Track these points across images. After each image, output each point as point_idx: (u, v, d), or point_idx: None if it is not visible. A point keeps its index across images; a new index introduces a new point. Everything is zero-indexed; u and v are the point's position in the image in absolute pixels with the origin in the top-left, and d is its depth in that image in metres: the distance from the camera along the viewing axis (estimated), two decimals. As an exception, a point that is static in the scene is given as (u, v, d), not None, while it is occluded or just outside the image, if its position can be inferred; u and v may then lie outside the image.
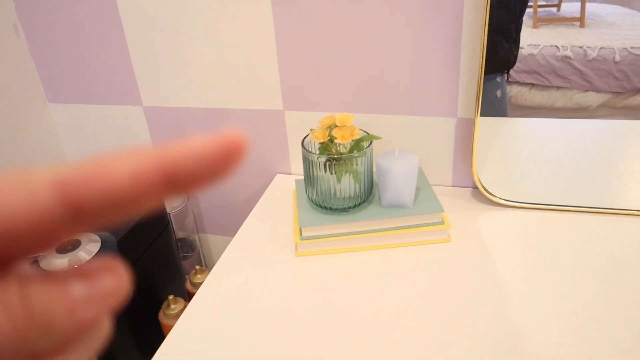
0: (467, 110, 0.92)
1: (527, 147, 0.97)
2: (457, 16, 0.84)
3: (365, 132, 0.84)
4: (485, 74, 0.82)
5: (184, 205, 1.16)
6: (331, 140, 0.81)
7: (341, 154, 0.81)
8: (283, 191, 1.04)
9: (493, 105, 0.89)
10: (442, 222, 0.83)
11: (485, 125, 0.88)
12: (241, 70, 1.01)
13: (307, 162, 0.82)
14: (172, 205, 1.16)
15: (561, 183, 0.92)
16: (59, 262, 0.80)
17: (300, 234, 0.83)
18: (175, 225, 1.17)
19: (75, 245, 0.82)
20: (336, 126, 0.80)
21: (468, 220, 0.89)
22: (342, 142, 0.78)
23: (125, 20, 1.02)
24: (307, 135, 0.84)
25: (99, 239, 0.86)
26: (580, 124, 0.89)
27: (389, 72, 0.93)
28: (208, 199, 1.20)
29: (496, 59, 0.84)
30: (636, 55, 0.81)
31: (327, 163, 0.80)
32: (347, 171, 0.81)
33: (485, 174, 0.92)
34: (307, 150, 0.82)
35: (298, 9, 0.92)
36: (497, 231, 0.85)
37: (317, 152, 0.83)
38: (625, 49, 0.81)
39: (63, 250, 0.82)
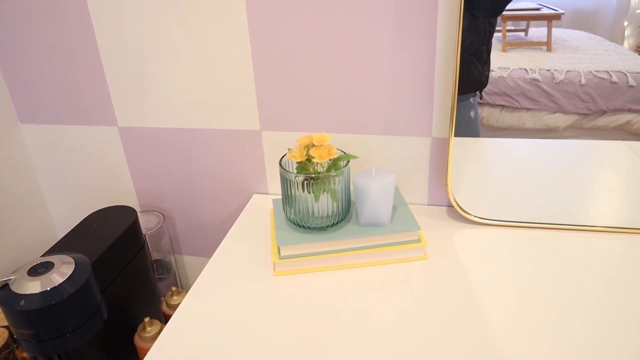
0: (441, 130, 0.94)
1: (500, 166, 0.99)
2: (431, 38, 0.86)
3: (342, 151, 0.85)
4: (459, 94, 0.84)
5: (160, 226, 1.15)
6: (309, 159, 0.81)
7: (319, 173, 0.82)
8: (260, 211, 1.04)
9: (467, 125, 0.91)
10: (418, 240, 0.84)
11: (459, 145, 0.90)
12: (218, 91, 1.02)
13: (285, 182, 0.83)
14: (148, 227, 1.15)
15: (533, 201, 0.94)
16: (31, 285, 0.78)
17: (279, 253, 0.83)
18: (150, 246, 1.16)
19: (48, 267, 0.81)
20: (314, 145, 0.81)
21: (444, 238, 0.90)
22: (319, 161, 0.79)
23: (100, 40, 1.02)
24: (285, 154, 0.85)
25: (73, 261, 0.84)
26: (550, 144, 0.92)
27: (365, 93, 0.94)
28: (184, 220, 1.20)
29: (470, 80, 0.86)
30: (600, 78, 0.85)
31: (305, 182, 0.81)
32: (324, 190, 0.81)
33: (460, 193, 0.94)
34: (285, 170, 0.82)
35: (275, 29, 0.93)
36: (472, 248, 0.87)
37: (295, 171, 0.83)
38: (590, 72, 0.85)
39: (35, 272, 0.80)
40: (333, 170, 0.81)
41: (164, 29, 0.98)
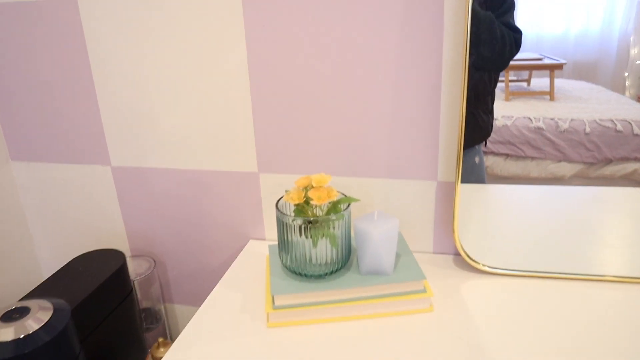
0: (447, 174, 0.90)
1: (507, 213, 0.94)
2: (435, 85, 0.84)
3: (342, 194, 0.80)
4: (465, 148, 0.82)
5: (150, 271, 1.09)
6: (307, 202, 0.77)
7: (317, 216, 0.77)
8: (256, 258, 0.98)
9: (472, 172, 0.88)
10: (424, 290, 0.78)
11: (465, 192, 0.86)
12: (215, 131, 0.98)
13: (282, 225, 0.78)
14: (137, 272, 1.09)
15: (544, 249, 0.89)
16: (3, 331, 0.72)
17: (273, 302, 0.77)
18: (139, 293, 1.10)
19: (23, 313, 0.75)
20: (312, 187, 0.76)
21: (451, 288, 0.84)
22: (318, 203, 0.74)
23: (97, 77, 1.00)
24: (282, 196, 0.80)
25: (51, 307, 0.78)
26: (558, 190, 0.89)
27: (367, 134, 0.90)
28: (176, 266, 1.14)
29: (476, 131, 0.84)
30: (605, 127, 0.83)
31: (303, 226, 0.76)
32: (323, 235, 0.76)
33: (467, 241, 0.88)
34: (282, 212, 0.77)
35: (275, 68, 0.90)
36: (481, 300, 0.81)
37: (292, 214, 0.79)
38: (595, 120, 0.83)
39: (9, 318, 0.74)
40: (333, 214, 0.76)
41: (161, 66, 0.96)
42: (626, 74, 0.81)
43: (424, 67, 0.83)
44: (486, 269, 0.87)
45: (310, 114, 0.92)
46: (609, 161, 0.85)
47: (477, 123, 0.84)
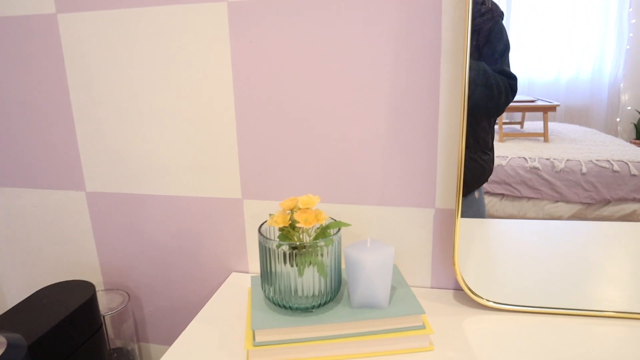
0: (446, 200, 0.83)
1: (508, 248, 0.89)
2: (433, 104, 0.78)
3: (332, 218, 0.73)
4: (467, 193, 0.79)
5: (123, 306, 1.00)
6: (293, 226, 0.69)
7: (304, 242, 0.69)
8: (238, 291, 0.90)
9: (471, 205, 0.83)
10: (423, 326, 0.70)
11: (464, 226, 0.81)
12: (196, 154, 0.91)
13: (265, 252, 0.70)
14: (110, 307, 1.00)
15: (548, 285, 0.83)
16: (-57, 370, 0.63)
17: (254, 339, 0.69)
18: (111, 330, 1.00)
19: (-31, 348, 0.66)
20: (299, 209, 0.69)
21: (452, 325, 0.76)
22: (305, 227, 0.67)
23: (74, 99, 0.94)
24: (266, 221, 0.73)
25: (5, 342, 0.69)
26: (560, 224, 0.85)
27: (358, 158, 0.84)
28: (152, 301, 1.05)
29: (478, 172, 0.82)
30: (602, 167, 0.81)
31: (288, 253, 0.68)
32: (311, 263, 0.69)
33: (468, 275, 0.81)
34: (265, 237, 0.70)
35: (262, 90, 0.85)
36: (485, 337, 0.73)
37: (277, 239, 0.71)
38: (591, 161, 0.82)
39: (-48, 355, 0.65)
40: (321, 239, 0.69)
41: (141, 88, 0.90)
42: (618, 119, 0.80)
43: (421, 85, 0.78)
44: (491, 304, 0.80)
45: (298, 136, 0.86)
46: (607, 202, 0.82)
47: (479, 164, 0.81)
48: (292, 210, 0.70)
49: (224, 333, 0.76)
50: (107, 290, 1.05)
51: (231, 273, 0.98)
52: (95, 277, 1.06)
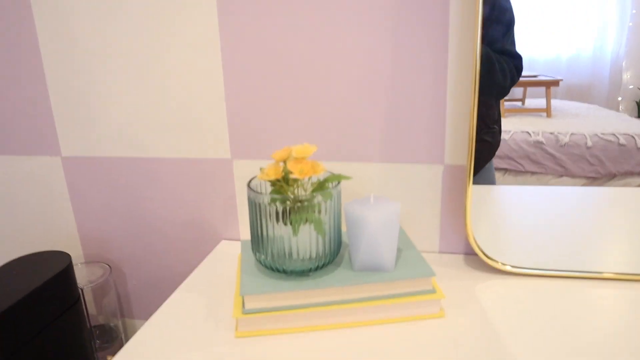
0: (456, 156, 0.75)
1: (519, 212, 0.84)
2: (442, 53, 0.70)
3: (330, 172, 0.65)
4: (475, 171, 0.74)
5: (104, 279, 0.92)
6: (286, 179, 0.61)
7: (299, 197, 0.61)
8: (228, 259, 0.82)
9: (480, 175, 0.77)
10: (433, 290, 0.62)
11: (474, 192, 0.75)
12: (180, 111, 0.83)
13: (255, 209, 0.62)
14: (89, 279, 0.93)
15: (562, 248, 0.78)
16: None
17: (243, 306, 0.61)
18: (93, 307, 0.93)
19: None
20: (293, 159, 0.61)
21: (464, 290, 0.69)
22: (300, 177, 0.59)
23: (46, 59, 0.85)
24: (256, 176, 0.65)
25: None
26: (572, 190, 0.83)
27: (359, 110, 0.76)
28: (136, 274, 0.97)
29: (485, 146, 0.77)
30: (607, 140, 0.80)
31: (281, 209, 0.60)
32: (307, 220, 0.61)
33: (479, 238, 0.74)
34: (255, 192, 0.62)
35: (251, 32, 0.76)
36: (500, 303, 0.65)
37: (269, 194, 0.63)
38: (596, 134, 0.80)
39: None
40: (318, 194, 0.61)
41: (118, 39, 0.81)
42: (620, 98, 0.78)
43: (429, 33, 0.70)
44: (508, 268, 0.72)
45: (293, 88, 0.78)
46: (612, 176, 0.80)
47: (486, 141, 0.77)
48: (285, 162, 0.62)
49: (211, 302, 0.69)
50: (88, 263, 0.97)
51: (221, 241, 0.90)
52: (74, 250, 0.98)
